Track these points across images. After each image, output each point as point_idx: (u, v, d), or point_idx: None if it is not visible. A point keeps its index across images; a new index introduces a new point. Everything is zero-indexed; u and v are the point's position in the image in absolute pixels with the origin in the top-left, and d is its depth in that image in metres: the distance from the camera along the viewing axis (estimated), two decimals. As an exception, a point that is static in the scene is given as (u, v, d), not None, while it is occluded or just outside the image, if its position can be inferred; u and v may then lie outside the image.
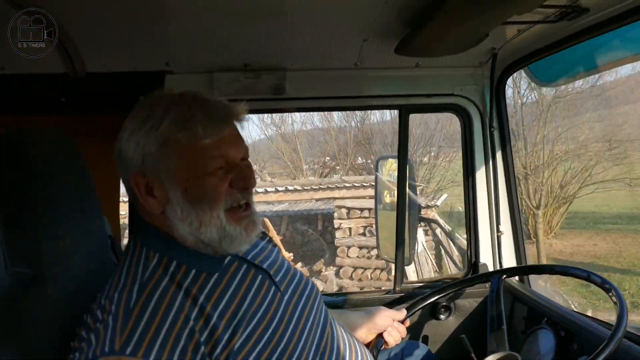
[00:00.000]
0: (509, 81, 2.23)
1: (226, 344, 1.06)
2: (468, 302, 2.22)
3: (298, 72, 2.02)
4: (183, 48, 1.83)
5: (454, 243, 2.47)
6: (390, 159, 2.70)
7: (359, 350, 1.39)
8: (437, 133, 14.86)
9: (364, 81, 2.11)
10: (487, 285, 2.19)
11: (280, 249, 1.48)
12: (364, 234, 9.95)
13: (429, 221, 2.47)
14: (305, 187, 12.75)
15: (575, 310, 1.82)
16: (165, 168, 1.11)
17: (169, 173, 1.11)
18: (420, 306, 1.86)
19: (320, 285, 9.09)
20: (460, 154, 2.31)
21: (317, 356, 1.23)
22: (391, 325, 1.69)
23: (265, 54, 1.89)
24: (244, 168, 1.16)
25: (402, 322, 1.74)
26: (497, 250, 2.24)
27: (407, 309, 1.81)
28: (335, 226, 10.23)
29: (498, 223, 2.22)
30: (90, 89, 1.91)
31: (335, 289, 9.39)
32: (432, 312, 2.20)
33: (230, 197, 1.14)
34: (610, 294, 1.44)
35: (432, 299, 1.89)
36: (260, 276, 1.22)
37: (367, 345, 1.65)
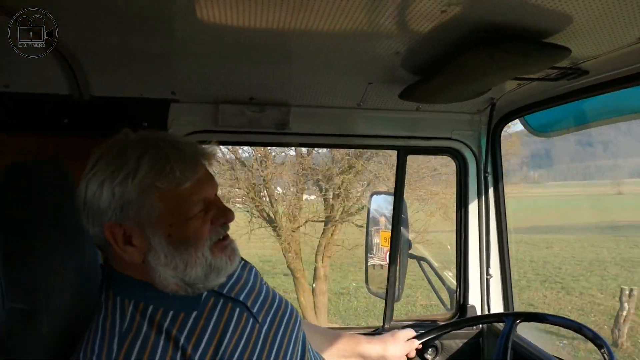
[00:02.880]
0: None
1: None
2: (455, 343, 2.24)
3: (302, 108, 2.05)
4: (190, 78, 1.84)
5: (442, 282, 2.52)
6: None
7: None
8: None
9: (365, 121, 2.15)
10: (474, 327, 2.24)
11: (256, 271, 1.47)
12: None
13: (418, 258, 2.50)
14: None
15: (561, 358, 1.84)
16: (147, 216, 1.08)
17: (150, 220, 1.09)
18: (435, 335, 1.92)
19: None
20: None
21: None
22: (401, 357, 1.74)
23: (270, 89, 1.92)
24: (221, 204, 1.18)
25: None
26: (485, 293, 2.27)
27: (423, 335, 1.86)
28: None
29: (488, 266, 2.26)
30: (93, 112, 1.90)
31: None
32: (419, 351, 2.21)
33: (214, 233, 1.15)
34: (602, 350, 1.47)
35: (447, 330, 1.97)
36: (237, 309, 1.21)
37: None
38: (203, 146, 1.18)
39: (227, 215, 1.17)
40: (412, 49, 1.41)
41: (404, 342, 1.77)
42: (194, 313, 1.14)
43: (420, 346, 1.82)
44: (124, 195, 1.07)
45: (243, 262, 1.43)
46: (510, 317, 1.78)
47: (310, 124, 2.11)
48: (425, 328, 1.96)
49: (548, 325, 1.82)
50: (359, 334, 2.22)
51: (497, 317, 2.00)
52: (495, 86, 1.62)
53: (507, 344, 1.71)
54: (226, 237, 1.19)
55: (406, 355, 1.79)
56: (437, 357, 2.21)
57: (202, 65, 1.69)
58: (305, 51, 1.51)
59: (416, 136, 2.21)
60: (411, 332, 1.83)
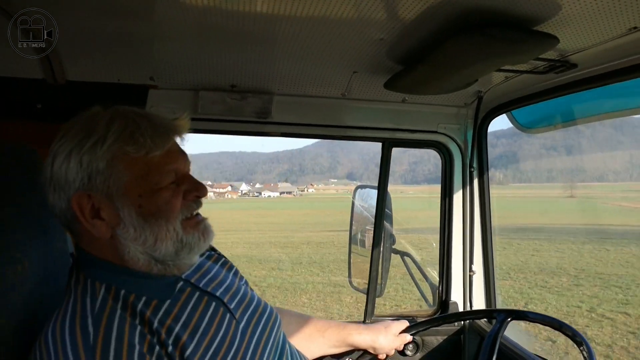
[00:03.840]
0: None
1: None
2: (435, 339, 2.21)
3: (284, 96, 2.00)
4: (169, 63, 1.78)
5: (425, 278, 2.51)
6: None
7: None
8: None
9: (350, 112, 2.10)
10: (455, 324, 2.21)
11: (237, 270, 1.44)
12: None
13: (401, 254, 2.49)
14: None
15: (543, 357, 1.81)
16: (116, 185, 1.06)
17: (120, 190, 1.06)
18: (424, 328, 1.92)
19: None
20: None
21: None
22: (390, 351, 1.76)
23: (253, 77, 1.86)
24: (193, 178, 1.15)
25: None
26: (468, 290, 2.24)
27: (413, 327, 1.86)
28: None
29: (471, 263, 2.23)
30: (68, 97, 1.83)
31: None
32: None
33: (186, 208, 1.12)
34: (582, 347, 1.45)
35: (437, 324, 1.97)
36: (214, 303, 1.18)
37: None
38: (174, 120, 1.15)
39: (199, 189, 1.14)
40: (397, 36, 1.37)
41: (395, 336, 1.77)
42: (167, 301, 1.11)
43: (411, 339, 1.83)
44: (91, 163, 1.05)
45: (223, 259, 1.41)
46: (502, 314, 1.72)
47: (293, 114, 2.06)
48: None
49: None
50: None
51: (488, 313, 1.94)
52: (481, 76, 1.58)
53: (494, 341, 1.65)
54: (199, 213, 1.17)
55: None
56: (418, 353, 2.18)
57: (182, 49, 1.64)
58: (288, 37, 1.46)
59: (402, 128, 2.17)
60: (404, 324, 1.83)
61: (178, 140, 1.16)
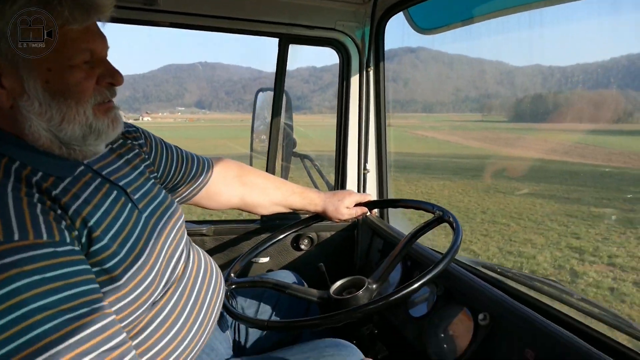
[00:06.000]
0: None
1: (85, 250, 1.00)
2: (330, 234, 2.31)
3: None
4: None
5: (322, 177, 2.62)
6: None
7: (214, 273, 1.40)
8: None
9: (246, 3, 1.99)
10: (349, 220, 2.30)
11: (147, 169, 1.37)
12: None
13: (301, 156, 2.56)
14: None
15: (429, 247, 1.93)
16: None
17: (27, 59, 0.96)
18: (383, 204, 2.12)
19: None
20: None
21: (174, 275, 1.21)
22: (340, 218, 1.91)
23: (135, -43, 1.69)
24: (110, 65, 1.07)
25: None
26: (362, 187, 2.33)
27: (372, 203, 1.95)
28: None
29: (365, 161, 2.30)
30: None
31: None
32: (295, 243, 2.26)
33: (98, 93, 1.05)
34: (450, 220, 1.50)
35: (400, 205, 1.93)
36: (115, 191, 1.15)
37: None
38: None
39: (115, 76, 1.07)
40: None
41: (348, 207, 1.88)
42: (67, 179, 1.05)
43: (368, 212, 1.95)
44: None
45: (136, 150, 1.34)
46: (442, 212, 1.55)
47: (183, 2, 1.92)
48: (294, 220, 1.99)
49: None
50: (238, 226, 2.22)
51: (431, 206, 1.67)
52: None
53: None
54: (111, 100, 1.09)
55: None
56: (312, 247, 2.27)
57: None
58: None
59: (299, 24, 2.10)
60: (365, 198, 1.92)
61: (99, 24, 1.05)
